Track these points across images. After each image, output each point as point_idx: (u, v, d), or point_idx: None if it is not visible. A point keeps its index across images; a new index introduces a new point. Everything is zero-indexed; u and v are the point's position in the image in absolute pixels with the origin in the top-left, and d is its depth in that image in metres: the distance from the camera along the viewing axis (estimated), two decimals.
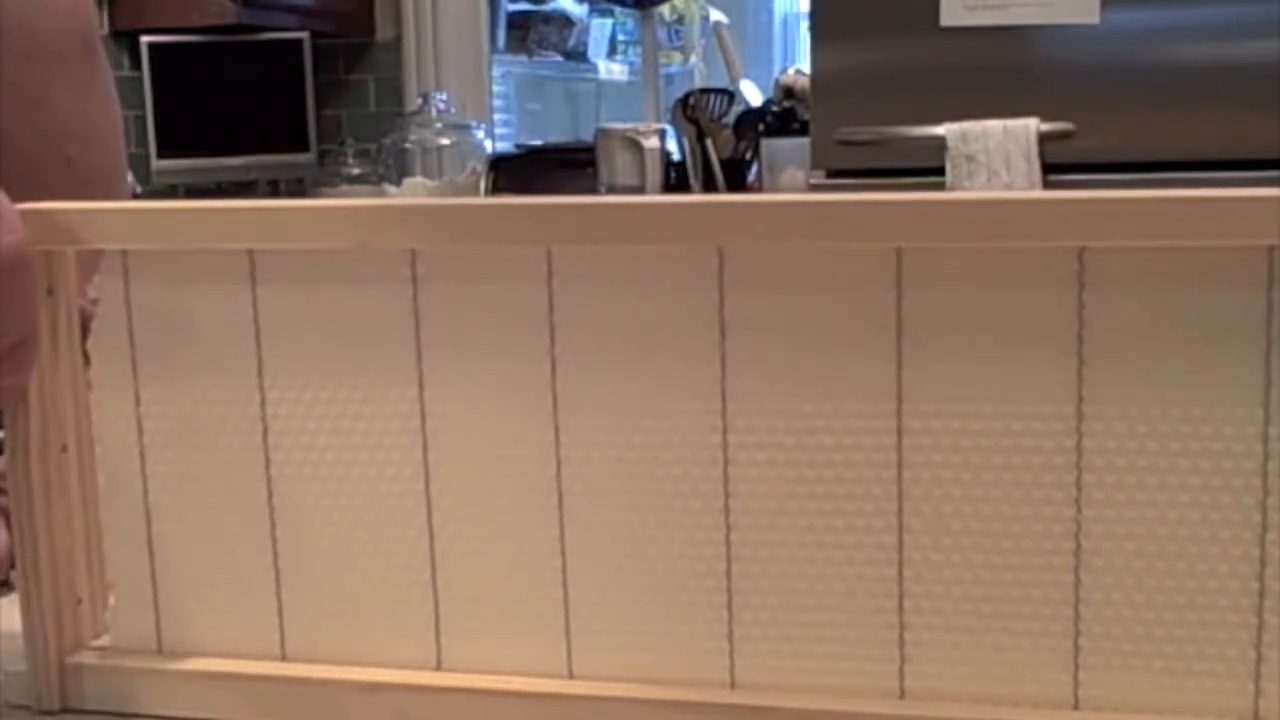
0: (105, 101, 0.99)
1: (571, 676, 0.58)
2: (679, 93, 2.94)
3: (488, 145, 3.20)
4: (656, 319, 0.56)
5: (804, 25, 4.14)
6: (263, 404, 0.60)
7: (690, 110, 2.69)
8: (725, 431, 0.56)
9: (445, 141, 3.12)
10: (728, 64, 2.90)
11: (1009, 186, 1.72)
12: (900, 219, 0.52)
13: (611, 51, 4.58)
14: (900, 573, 0.55)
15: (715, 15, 3.83)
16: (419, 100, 3.21)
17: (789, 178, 2.39)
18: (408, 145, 3.10)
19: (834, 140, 1.84)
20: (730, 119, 2.69)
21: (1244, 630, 0.52)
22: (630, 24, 4.38)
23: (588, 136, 2.82)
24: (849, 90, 1.85)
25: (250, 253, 0.59)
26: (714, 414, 0.56)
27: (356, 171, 3.39)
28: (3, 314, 0.57)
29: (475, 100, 3.53)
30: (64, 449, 0.61)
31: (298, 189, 3.42)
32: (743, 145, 2.65)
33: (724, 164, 2.65)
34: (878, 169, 1.82)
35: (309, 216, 0.58)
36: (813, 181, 1.90)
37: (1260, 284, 0.51)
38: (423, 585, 0.59)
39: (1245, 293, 0.51)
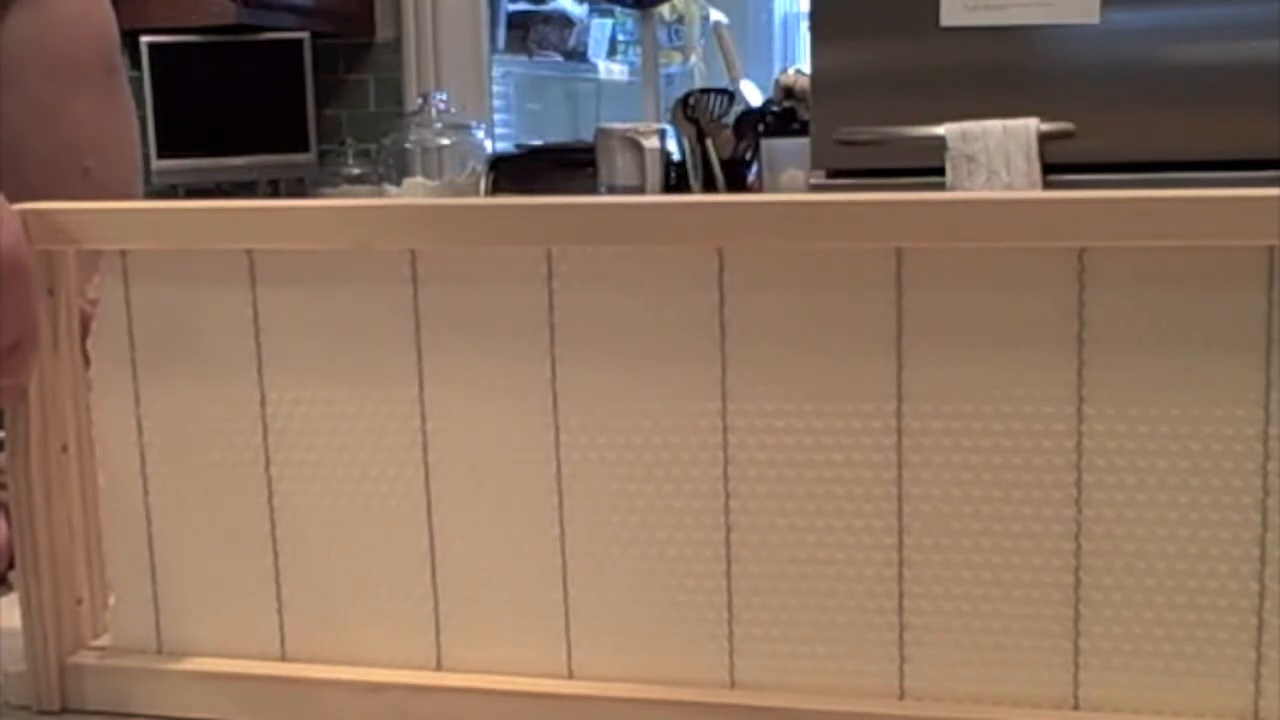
0: (124, 116, 1.03)
1: (571, 676, 0.58)
2: (679, 93, 2.94)
3: (488, 145, 3.19)
4: (656, 319, 0.56)
5: (804, 25, 4.14)
6: (262, 404, 0.60)
7: (690, 110, 2.69)
8: (725, 431, 0.56)
9: (445, 141, 3.11)
10: (728, 64, 2.90)
11: (1009, 186, 1.72)
12: (900, 219, 0.52)
13: (611, 51, 4.57)
14: (900, 573, 0.55)
15: (715, 15, 3.83)
16: (419, 100, 3.20)
17: (789, 178, 2.39)
18: (408, 145, 3.10)
19: (834, 140, 1.84)
20: (730, 119, 2.69)
21: (1244, 630, 0.52)
22: (630, 24, 4.38)
23: (588, 136, 2.82)
24: (849, 90, 1.85)
25: (250, 253, 0.59)
26: (714, 414, 0.56)
27: (356, 171, 3.38)
28: (1, 315, 0.57)
29: (475, 100, 3.52)
30: (64, 449, 0.61)
31: (298, 189, 3.42)
32: (743, 145, 2.65)
33: (724, 164, 2.65)
34: (878, 169, 1.82)
35: (309, 217, 0.58)
36: (813, 181, 1.90)
37: (1260, 284, 0.51)
38: (423, 585, 0.59)
39: (1245, 293, 0.51)
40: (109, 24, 1.00)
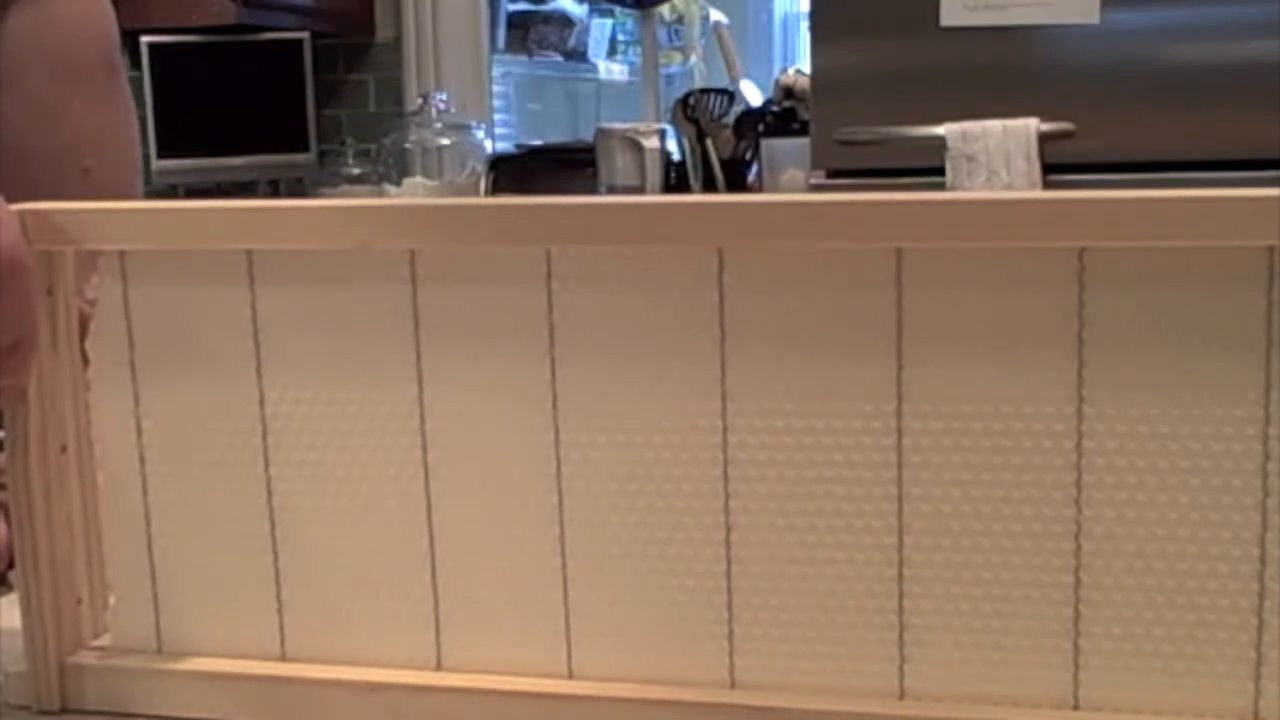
0: (124, 116, 1.03)
1: (571, 676, 0.58)
2: (679, 93, 2.94)
3: (488, 145, 3.19)
4: (656, 319, 0.56)
5: (804, 25, 4.14)
6: (262, 404, 0.60)
7: (690, 110, 2.69)
8: (725, 431, 0.56)
9: (445, 141, 3.11)
10: (728, 64, 2.90)
11: (1009, 186, 1.72)
12: (900, 219, 0.52)
13: (611, 51, 4.57)
14: (900, 573, 0.55)
15: (715, 15, 3.83)
16: (419, 100, 3.20)
17: (789, 178, 2.39)
18: (408, 145, 3.10)
19: (834, 140, 1.84)
20: (730, 119, 2.69)
21: (1244, 630, 0.52)
22: (630, 24, 4.38)
23: (588, 136, 2.82)
24: (849, 90, 1.85)
25: (249, 253, 0.59)
26: (714, 414, 0.56)
27: (356, 171, 3.38)
28: (1, 315, 0.57)
29: (475, 100, 3.52)
30: (63, 449, 0.61)
31: (298, 189, 3.42)
32: (743, 145, 2.65)
33: (724, 164, 2.65)
34: (878, 169, 1.82)
35: (309, 217, 0.58)
36: (813, 181, 1.90)
37: (1260, 284, 0.51)
38: (423, 585, 0.59)
39: (1245, 293, 0.51)
40: (109, 23, 1.00)
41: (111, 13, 1.00)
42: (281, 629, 0.61)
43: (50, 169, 0.93)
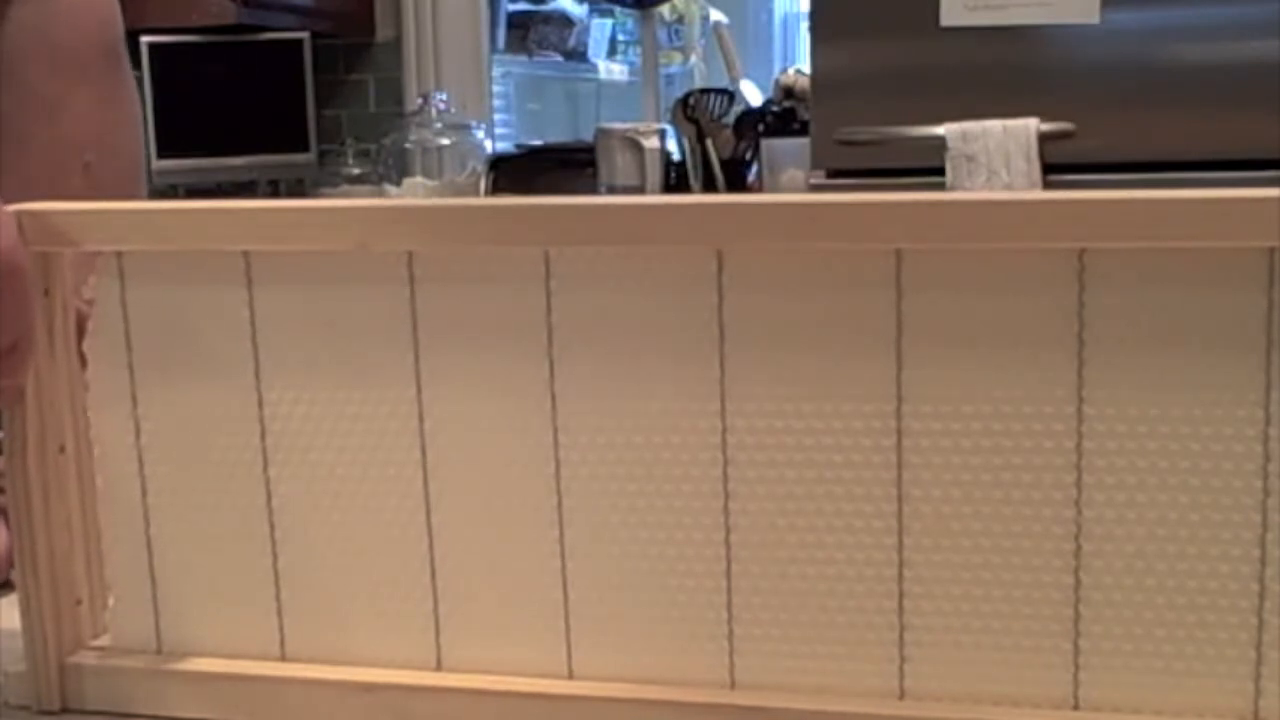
0: (126, 111, 1.02)
1: (571, 676, 0.58)
2: (679, 93, 2.93)
3: (488, 145, 3.19)
4: (656, 319, 0.56)
5: (804, 25, 4.14)
6: (260, 405, 0.60)
7: (690, 110, 2.69)
8: (725, 431, 0.55)
9: (445, 141, 3.11)
10: (728, 64, 2.90)
11: (1009, 186, 1.71)
12: (900, 219, 0.52)
13: (611, 51, 4.57)
14: (900, 573, 0.55)
15: (715, 15, 3.83)
16: (419, 100, 3.20)
17: (789, 178, 2.39)
18: (408, 145, 3.10)
19: (834, 140, 1.83)
20: (730, 119, 2.69)
21: (1244, 630, 0.52)
22: (630, 24, 4.38)
23: (588, 136, 2.82)
24: (849, 90, 1.85)
25: (246, 254, 0.59)
26: (714, 414, 0.55)
27: (356, 171, 3.38)
28: None
29: (475, 100, 3.52)
30: (62, 450, 0.61)
31: (298, 189, 3.41)
32: (743, 145, 2.65)
33: (724, 164, 2.65)
34: (878, 169, 1.81)
35: (307, 217, 0.58)
36: (813, 181, 1.89)
37: (1260, 284, 0.51)
38: (422, 585, 0.59)
39: (1245, 293, 0.51)
40: (113, 15, 0.99)
41: (115, 4, 0.99)
42: (281, 629, 0.61)
43: (50, 164, 0.93)
